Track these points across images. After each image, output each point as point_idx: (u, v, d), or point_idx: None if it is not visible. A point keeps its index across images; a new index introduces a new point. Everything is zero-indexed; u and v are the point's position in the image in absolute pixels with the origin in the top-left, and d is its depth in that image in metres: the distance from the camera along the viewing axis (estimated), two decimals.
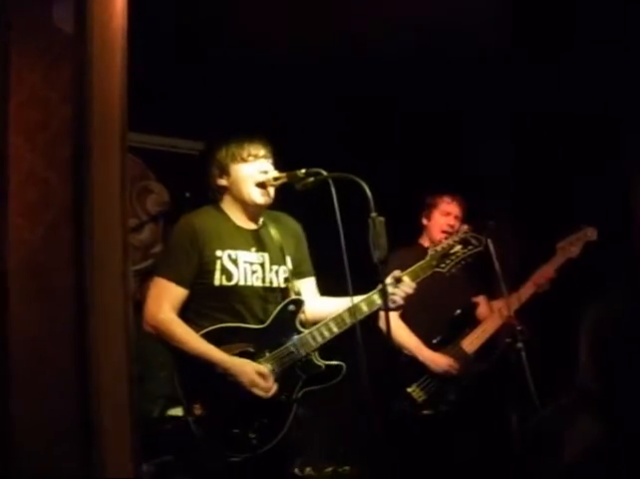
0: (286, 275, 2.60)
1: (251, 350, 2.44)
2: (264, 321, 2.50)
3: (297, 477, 4.16)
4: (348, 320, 2.48)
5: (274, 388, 2.40)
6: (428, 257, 2.62)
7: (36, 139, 1.76)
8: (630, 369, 0.72)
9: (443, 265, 2.63)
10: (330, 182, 2.35)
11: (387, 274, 2.52)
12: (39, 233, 1.74)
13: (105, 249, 1.78)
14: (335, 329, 2.49)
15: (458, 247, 2.64)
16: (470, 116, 4.13)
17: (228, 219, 2.60)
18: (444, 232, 3.38)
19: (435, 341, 3.35)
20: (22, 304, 1.73)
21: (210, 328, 2.42)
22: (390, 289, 2.49)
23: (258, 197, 2.54)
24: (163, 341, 2.40)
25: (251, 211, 2.61)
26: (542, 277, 3.34)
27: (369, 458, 4.19)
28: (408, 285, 2.53)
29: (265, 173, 2.55)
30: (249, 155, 2.56)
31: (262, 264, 2.56)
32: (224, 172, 2.59)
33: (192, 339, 2.39)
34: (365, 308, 2.50)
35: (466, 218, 3.47)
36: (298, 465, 4.29)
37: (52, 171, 1.74)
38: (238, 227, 2.59)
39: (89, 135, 1.76)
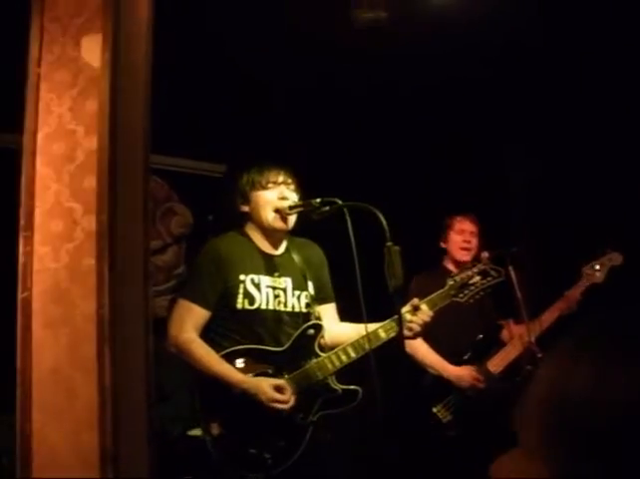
0: (307, 301, 2.64)
1: (270, 372, 2.48)
2: (284, 344, 2.53)
3: None
4: (366, 346, 2.50)
5: (293, 399, 2.42)
6: (447, 287, 2.63)
7: (62, 170, 1.80)
8: None
9: (461, 295, 2.63)
10: (345, 211, 2.38)
11: (406, 302, 2.53)
12: (63, 261, 1.78)
13: (127, 278, 1.81)
14: (353, 354, 2.51)
15: (477, 278, 2.64)
16: (490, 138, 4.13)
17: (252, 244, 2.64)
18: (462, 249, 3.41)
19: (465, 358, 3.34)
20: (45, 331, 1.76)
21: (230, 349, 2.46)
22: (408, 317, 2.50)
23: (277, 222, 2.58)
24: (185, 361, 2.45)
25: (272, 236, 2.65)
26: (567, 302, 3.32)
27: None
28: (425, 314, 2.54)
29: (284, 199, 2.59)
30: (268, 182, 2.60)
31: (284, 289, 2.61)
32: (245, 198, 2.65)
33: (212, 360, 2.43)
34: (383, 335, 2.51)
35: (485, 238, 3.47)
36: None
37: (76, 201, 1.78)
38: (262, 252, 2.64)
39: (113, 166, 1.80)
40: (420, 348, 3.25)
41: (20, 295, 1.76)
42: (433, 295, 2.61)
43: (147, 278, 1.86)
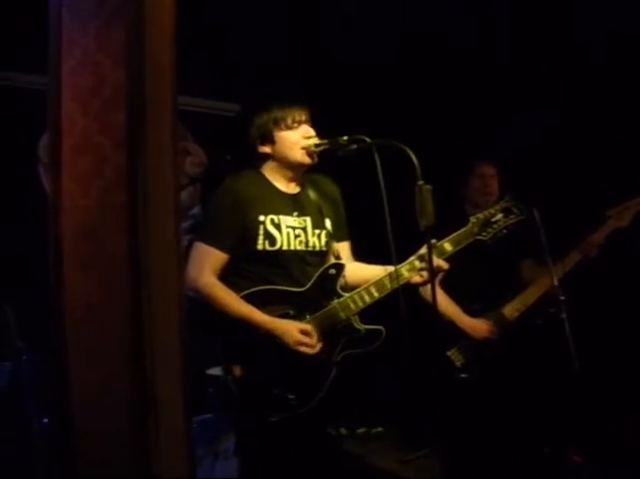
0: (327, 239, 2.61)
1: (291, 313, 2.47)
2: (305, 285, 2.52)
3: (331, 436, 4.23)
4: (389, 285, 2.48)
5: (319, 345, 2.42)
6: (469, 225, 2.60)
7: (89, 104, 1.74)
8: None
9: (484, 234, 2.60)
10: (374, 149, 2.33)
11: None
12: (93, 198, 1.74)
13: (158, 214, 1.77)
14: (376, 294, 2.50)
15: (499, 216, 2.61)
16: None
17: (270, 184, 2.59)
18: (484, 193, 3.36)
19: (475, 307, 3.33)
20: (77, 270, 1.74)
21: (251, 290, 2.46)
22: (417, 264, 2.49)
23: (305, 158, 2.54)
24: (206, 305, 2.44)
25: (293, 175, 2.60)
26: (590, 245, 3.28)
27: (402, 419, 4.25)
28: (439, 260, 2.50)
29: (309, 138, 2.54)
30: (293, 121, 2.54)
31: (304, 229, 2.58)
32: (267, 139, 2.57)
33: (234, 302, 2.42)
34: (406, 274, 2.50)
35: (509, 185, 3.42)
36: (332, 425, 4.35)
37: (105, 136, 1.73)
38: (280, 191, 2.59)
39: (142, 100, 1.73)
40: (437, 295, 3.24)
41: (50, 234, 1.73)
42: (456, 234, 2.58)
43: (177, 214, 1.82)
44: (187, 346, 1.84)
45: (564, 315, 2.98)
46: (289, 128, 2.54)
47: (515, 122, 4.02)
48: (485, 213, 2.62)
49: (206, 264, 2.45)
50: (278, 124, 2.54)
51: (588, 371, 2.97)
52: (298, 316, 2.47)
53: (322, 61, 4.02)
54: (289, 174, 2.59)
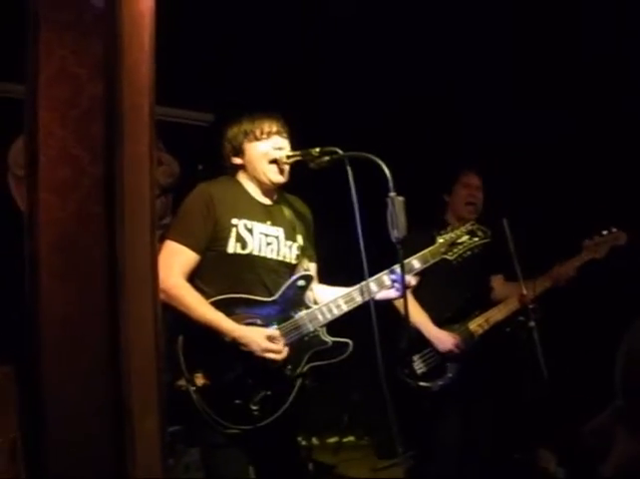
0: (298, 252, 2.62)
1: (259, 322, 2.46)
2: (272, 293, 2.52)
3: (302, 446, 4.24)
4: (358, 299, 2.51)
5: (286, 350, 2.41)
6: (437, 244, 2.66)
7: (66, 115, 1.74)
8: None
9: (450, 253, 2.67)
10: (346, 161, 2.36)
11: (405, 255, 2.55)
12: (70, 209, 1.73)
13: (135, 226, 1.78)
14: (344, 307, 2.53)
15: (465, 237, 2.69)
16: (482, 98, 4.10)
17: (245, 190, 2.60)
18: (468, 203, 3.42)
19: (440, 320, 3.38)
20: (53, 282, 1.73)
21: (219, 298, 2.43)
22: (394, 276, 2.53)
23: (274, 175, 2.55)
24: (171, 307, 2.40)
25: (267, 188, 2.61)
26: (561, 274, 3.33)
27: (373, 429, 4.27)
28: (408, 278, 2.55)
29: (280, 149, 2.55)
30: (262, 132, 2.55)
31: (277, 238, 2.58)
32: (238, 151, 2.59)
33: (202, 307, 2.39)
34: (375, 289, 2.53)
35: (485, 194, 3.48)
36: (304, 435, 4.36)
37: (83, 148, 1.73)
38: (255, 199, 2.60)
39: (120, 111, 1.74)
40: (408, 305, 3.28)
41: (26, 245, 1.72)
42: (424, 251, 2.64)
43: (153, 226, 1.83)
44: (163, 357, 1.85)
45: (533, 323, 3.05)
46: (258, 139, 2.55)
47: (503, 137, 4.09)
48: (452, 234, 2.71)
49: (176, 264, 2.41)
50: (248, 135, 2.56)
51: (556, 378, 3.03)
52: (265, 326, 2.47)
53: (298, 71, 4.05)
54: (263, 186, 2.61)
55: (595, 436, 0.83)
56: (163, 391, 1.84)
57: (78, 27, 1.77)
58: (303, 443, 4.39)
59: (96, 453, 1.68)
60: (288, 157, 2.55)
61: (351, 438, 4.70)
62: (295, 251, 2.62)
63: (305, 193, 2.79)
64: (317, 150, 2.49)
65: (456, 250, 2.67)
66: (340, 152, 2.43)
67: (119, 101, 1.74)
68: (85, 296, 1.72)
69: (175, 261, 2.42)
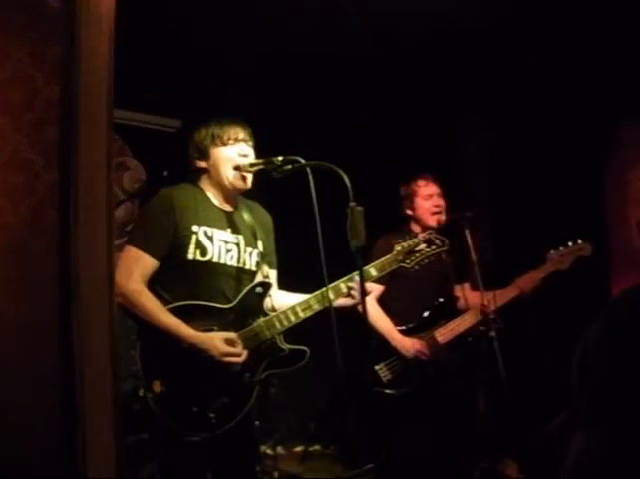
0: (258, 259, 2.61)
1: (216, 329, 2.44)
2: (232, 302, 2.50)
3: (267, 455, 4.21)
4: (315, 306, 2.51)
5: (245, 353, 2.41)
6: (394, 253, 2.69)
7: (21, 119, 1.71)
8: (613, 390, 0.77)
9: (407, 261, 2.70)
10: (308, 170, 2.36)
11: (367, 263, 2.56)
12: (22, 216, 1.70)
13: (90, 233, 1.75)
14: (301, 315, 2.52)
15: (422, 246, 2.71)
16: (449, 103, 4.14)
17: (206, 197, 2.59)
18: (434, 213, 3.42)
19: (405, 328, 3.39)
20: (3, 288, 1.69)
21: (177, 305, 2.41)
22: (344, 286, 2.54)
23: (237, 180, 2.54)
24: (129, 312, 2.37)
25: (229, 193, 2.60)
26: (527, 283, 3.35)
27: (339, 437, 4.26)
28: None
29: (245, 156, 2.55)
30: (229, 138, 2.55)
31: (237, 245, 2.57)
32: (204, 154, 2.58)
33: (160, 313, 2.37)
34: (332, 296, 2.53)
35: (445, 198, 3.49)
36: (269, 444, 4.33)
37: (37, 152, 1.70)
38: (216, 206, 2.59)
39: (76, 116, 1.71)
40: (372, 313, 3.29)
41: None
42: (381, 260, 2.66)
43: (110, 233, 1.80)
44: (118, 366, 1.82)
45: (493, 333, 3.07)
46: (225, 144, 2.54)
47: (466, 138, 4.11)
48: (410, 242, 2.72)
49: (135, 270, 2.39)
50: (215, 140, 2.55)
51: (517, 387, 3.06)
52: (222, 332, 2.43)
53: (266, 78, 4.05)
54: (224, 192, 2.59)
55: (552, 440, 0.84)
56: (119, 400, 1.81)
57: (35, 30, 1.74)
58: (269, 452, 4.36)
59: (47, 465, 1.65)
60: (252, 164, 2.54)
61: (317, 447, 4.68)
62: (255, 259, 2.61)
63: (267, 200, 2.79)
64: (280, 158, 2.48)
65: (413, 259, 2.69)
66: (302, 161, 2.43)
67: (75, 105, 1.70)
68: (37, 304, 1.68)
69: (135, 268, 2.40)
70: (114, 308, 1.82)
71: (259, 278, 2.61)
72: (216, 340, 2.38)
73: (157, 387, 2.32)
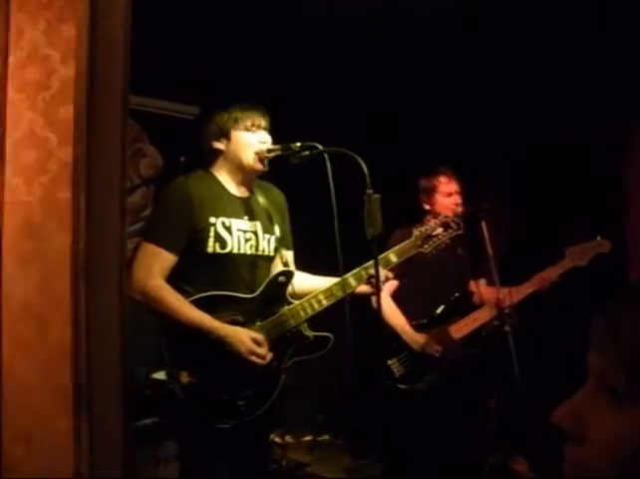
0: (276, 244, 2.60)
1: (241, 319, 2.43)
2: (253, 289, 2.50)
3: (277, 445, 4.22)
4: (337, 294, 2.50)
5: (270, 355, 2.41)
6: (413, 238, 2.66)
7: (36, 97, 1.71)
8: None
9: (426, 246, 2.67)
10: (326, 156, 2.34)
11: (383, 252, 2.54)
12: (36, 194, 1.70)
13: (103, 213, 1.75)
14: (324, 302, 2.51)
15: (439, 230, 2.69)
16: (466, 96, 4.09)
17: (221, 185, 2.56)
18: (453, 210, 3.37)
19: (419, 323, 3.36)
20: (16, 266, 1.70)
21: (200, 295, 2.40)
22: (371, 270, 2.51)
23: (257, 164, 2.52)
24: (152, 309, 2.36)
25: (244, 178, 2.57)
26: (544, 279, 3.30)
27: (348, 428, 4.26)
28: (384, 272, 2.57)
29: (264, 143, 2.54)
30: (253, 124, 2.53)
31: (255, 232, 2.55)
32: (224, 135, 2.54)
33: (185, 307, 2.36)
34: (354, 283, 2.52)
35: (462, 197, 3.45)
36: (278, 433, 4.34)
37: (51, 131, 1.70)
38: (231, 194, 2.57)
39: (90, 96, 1.71)
40: (386, 308, 3.26)
41: None
42: (400, 245, 2.64)
43: (123, 214, 1.80)
44: (128, 349, 1.82)
45: (508, 328, 3.04)
46: (247, 130, 2.52)
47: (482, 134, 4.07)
48: (427, 227, 2.69)
49: (155, 266, 2.37)
50: (237, 123, 2.52)
51: (531, 382, 3.03)
52: (248, 323, 2.44)
53: (284, 66, 4.03)
54: (239, 176, 2.56)
55: (566, 419, 0.81)
56: (128, 381, 1.81)
57: (51, 9, 1.74)
58: (277, 440, 4.36)
59: (53, 439, 1.65)
60: (269, 150, 2.53)
61: (326, 437, 4.67)
62: (273, 244, 2.60)
63: (283, 185, 2.77)
64: (297, 144, 2.46)
65: (431, 243, 2.67)
66: (320, 147, 2.41)
67: (90, 84, 1.70)
68: (47, 283, 1.68)
69: (154, 264, 2.37)
70: (126, 288, 1.82)
71: (278, 264, 2.61)
72: (243, 336, 2.37)
73: (184, 378, 2.32)
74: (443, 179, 3.42)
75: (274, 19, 3.62)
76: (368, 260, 2.52)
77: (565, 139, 3.89)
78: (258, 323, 2.45)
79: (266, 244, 2.58)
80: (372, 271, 2.50)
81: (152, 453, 3.11)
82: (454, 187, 3.43)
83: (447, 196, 3.41)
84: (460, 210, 3.36)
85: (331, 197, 2.30)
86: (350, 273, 2.52)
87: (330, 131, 2.85)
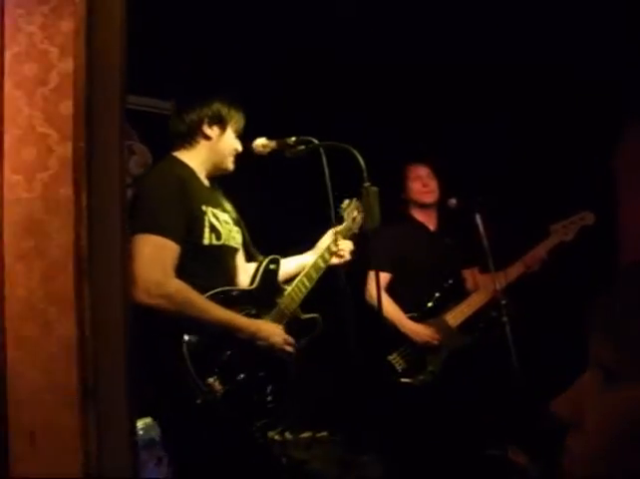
0: (241, 235, 2.54)
1: (253, 312, 2.38)
2: (232, 282, 2.42)
3: (276, 443, 4.20)
4: (314, 275, 2.54)
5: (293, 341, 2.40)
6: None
7: (34, 93, 1.69)
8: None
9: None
10: (321, 150, 2.33)
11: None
12: (36, 191, 1.68)
13: (104, 209, 1.73)
14: (308, 284, 2.53)
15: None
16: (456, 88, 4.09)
17: (195, 174, 2.40)
18: (424, 193, 3.43)
19: (415, 314, 3.37)
20: (18, 264, 1.68)
21: (213, 292, 2.25)
22: (333, 248, 2.57)
23: (231, 165, 2.48)
24: (175, 312, 2.13)
25: (213, 171, 2.47)
26: (533, 258, 3.34)
27: (348, 425, 4.26)
28: (346, 243, 2.63)
29: (237, 152, 2.52)
30: (239, 129, 2.50)
31: (229, 224, 2.45)
32: (222, 123, 2.42)
33: (212, 307, 2.20)
34: (322, 264, 2.57)
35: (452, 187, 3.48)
36: (277, 430, 4.33)
37: (51, 127, 1.68)
38: (204, 184, 2.43)
39: (89, 91, 1.70)
40: (382, 301, 3.26)
41: None
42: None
43: (124, 210, 1.79)
44: (132, 346, 1.80)
45: (505, 319, 3.05)
46: (236, 132, 2.48)
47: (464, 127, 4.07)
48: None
49: (168, 262, 2.12)
50: (231, 121, 2.46)
51: (529, 373, 3.04)
52: (260, 315, 2.38)
53: (265, 60, 3.99)
54: (210, 169, 2.43)
55: (565, 407, 0.82)
56: (133, 379, 1.80)
57: (47, 3, 1.72)
58: (277, 438, 4.35)
59: (58, 439, 1.64)
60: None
61: (324, 434, 4.67)
62: (240, 234, 2.52)
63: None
64: (293, 139, 2.45)
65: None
66: (315, 141, 2.40)
67: (89, 79, 1.69)
68: (50, 280, 1.67)
69: (166, 259, 2.13)
70: (128, 284, 1.80)
71: (241, 253, 2.54)
72: (275, 328, 2.35)
73: (217, 386, 2.18)
74: (414, 164, 3.49)
75: (264, 14, 3.60)
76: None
77: (556, 118, 3.90)
78: (269, 314, 2.41)
79: (238, 236, 2.50)
80: (333, 248, 2.57)
81: (153, 452, 3.09)
82: (421, 171, 3.48)
83: (415, 180, 3.47)
84: (433, 194, 3.41)
85: (328, 190, 2.31)
86: (314, 258, 2.57)
87: (328, 126, 2.84)
